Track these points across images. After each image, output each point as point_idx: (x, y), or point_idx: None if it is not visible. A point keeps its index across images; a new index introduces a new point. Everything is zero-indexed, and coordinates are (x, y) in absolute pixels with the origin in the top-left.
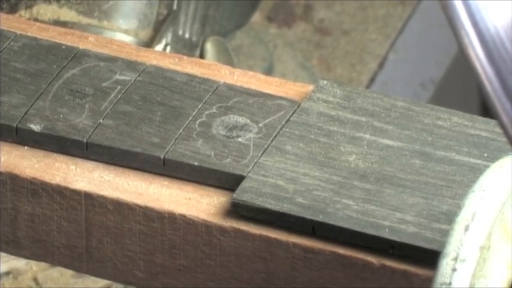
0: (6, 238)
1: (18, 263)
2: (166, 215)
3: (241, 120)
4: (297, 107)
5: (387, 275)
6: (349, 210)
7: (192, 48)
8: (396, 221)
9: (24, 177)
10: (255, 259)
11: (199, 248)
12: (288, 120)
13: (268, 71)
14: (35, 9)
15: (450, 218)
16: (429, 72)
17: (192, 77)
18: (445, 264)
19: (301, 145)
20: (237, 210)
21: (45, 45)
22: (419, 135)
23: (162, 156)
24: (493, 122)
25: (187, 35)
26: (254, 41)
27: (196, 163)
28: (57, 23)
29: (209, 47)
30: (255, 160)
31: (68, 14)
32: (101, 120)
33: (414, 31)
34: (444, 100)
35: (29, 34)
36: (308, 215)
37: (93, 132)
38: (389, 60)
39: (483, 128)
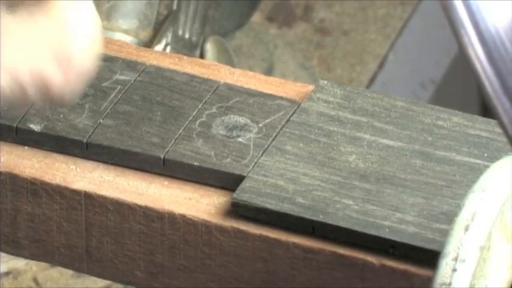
0: (6, 238)
1: (18, 263)
2: (166, 215)
3: (241, 120)
4: (297, 107)
5: (387, 275)
6: (349, 210)
7: (192, 48)
8: (396, 221)
9: (24, 177)
10: (255, 259)
11: (199, 248)
12: (288, 120)
13: (269, 71)
14: None
15: (450, 218)
16: (429, 72)
17: (192, 77)
18: (445, 265)
19: (301, 145)
20: (237, 210)
21: None
22: (420, 135)
23: (162, 156)
24: (493, 122)
25: (187, 35)
26: (254, 41)
27: (196, 163)
28: None
29: (209, 47)
30: (255, 160)
31: None
32: (101, 120)
33: (414, 31)
34: (444, 100)
35: None
36: (308, 215)
37: (93, 132)
38: (389, 61)
39: (483, 128)
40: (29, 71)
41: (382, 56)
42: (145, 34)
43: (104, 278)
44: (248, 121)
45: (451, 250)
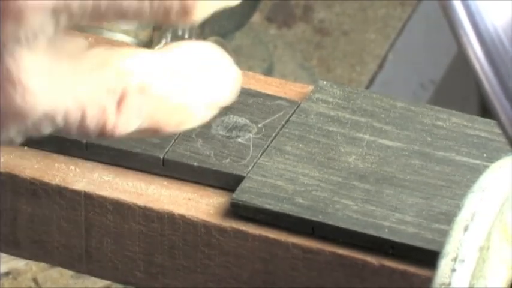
0: (5, 238)
1: (17, 263)
2: (166, 216)
3: (241, 120)
4: (297, 108)
5: (387, 276)
6: (348, 211)
7: None
8: (396, 221)
9: (23, 177)
10: (255, 259)
11: (198, 248)
12: (288, 120)
13: (268, 72)
14: None
15: (450, 218)
16: (429, 72)
17: None
18: (445, 265)
19: (300, 145)
20: (236, 210)
21: None
22: (419, 136)
23: (161, 157)
24: (492, 122)
25: (186, 36)
26: (254, 42)
27: (195, 163)
28: None
29: None
30: (255, 160)
31: None
32: None
33: (414, 32)
34: (444, 100)
35: None
36: (307, 215)
37: None
38: (389, 61)
39: (482, 128)
40: (94, 104)
41: (382, 56)
42: (145, 34)
43: (104, 278)
44: (247, 121)
45: (450, 250)
